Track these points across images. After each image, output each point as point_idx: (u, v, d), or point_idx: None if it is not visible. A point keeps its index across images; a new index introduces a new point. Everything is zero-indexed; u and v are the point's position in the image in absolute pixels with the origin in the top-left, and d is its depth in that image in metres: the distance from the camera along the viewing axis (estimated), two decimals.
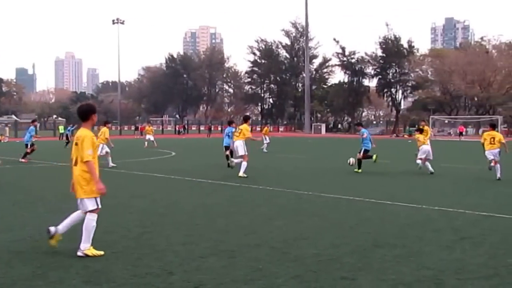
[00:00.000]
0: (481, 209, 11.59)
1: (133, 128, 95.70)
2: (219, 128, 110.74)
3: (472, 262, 7.20)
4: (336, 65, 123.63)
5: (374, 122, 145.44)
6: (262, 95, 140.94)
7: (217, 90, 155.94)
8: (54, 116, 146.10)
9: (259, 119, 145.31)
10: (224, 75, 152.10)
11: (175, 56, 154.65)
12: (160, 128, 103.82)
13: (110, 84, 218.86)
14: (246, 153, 19.17)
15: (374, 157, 21.28)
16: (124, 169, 21.37)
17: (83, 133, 7.50)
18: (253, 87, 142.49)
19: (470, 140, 69.09)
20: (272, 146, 37.47)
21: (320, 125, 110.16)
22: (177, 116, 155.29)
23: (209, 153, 34.31)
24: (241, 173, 18.61)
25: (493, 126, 20.33)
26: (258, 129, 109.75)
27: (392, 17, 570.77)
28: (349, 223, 10.00)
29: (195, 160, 27.41)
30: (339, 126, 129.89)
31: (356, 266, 6.98)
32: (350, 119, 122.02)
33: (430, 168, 20.86)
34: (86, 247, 7.42)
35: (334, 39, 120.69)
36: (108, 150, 22.83)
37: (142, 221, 9.96)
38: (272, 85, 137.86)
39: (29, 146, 26.65)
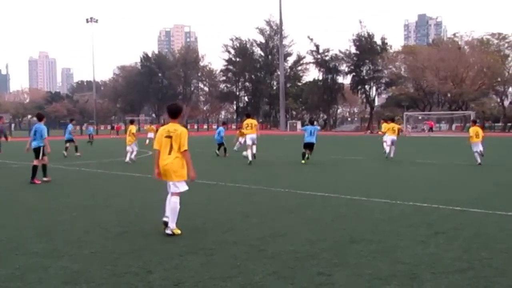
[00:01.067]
0: (454, 204, 11.74)
1: (109, 127, 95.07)
2: (195, 127, 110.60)
3: (446, 256, 7.31)
4: (310, 62, 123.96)
5: (349, 119, 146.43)
6: (237, 93, 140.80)
7: (192, 89, 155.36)
8: (29, 116, 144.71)
9: (235, 117, 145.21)
10: (199, 74, 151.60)
11: (150, 55, 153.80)
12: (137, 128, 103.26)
13: (85, 83, 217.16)
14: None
15: (304, 159, 23.87)
16: (101, 169, 21.27)
17: (179, 127, 8.90)
18: (228, 85, 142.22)
19: (443, 135, 69.75)
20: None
21: (295, 123, 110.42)
22: (153, 115, 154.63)
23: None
24: (245, 153, 24.15)
25: (475, 122, 25.45)
26: (234, 127, 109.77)
27: (365, 15, 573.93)
28: (325, 219, 10.07)
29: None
30: (315, 123, 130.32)
31: (332, 262, 7.05)
32: (325, 116, 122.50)
33: (392, 154, 26.38)
34: (173, 226, 8.67)
35: (308, 37, 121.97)
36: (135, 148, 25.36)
37: (120, 221, 9.95)
38: (247, 83, 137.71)
39: (74, 141, 31.18)
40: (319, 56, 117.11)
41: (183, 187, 8.89)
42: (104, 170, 21.02)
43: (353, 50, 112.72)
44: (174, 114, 9.03)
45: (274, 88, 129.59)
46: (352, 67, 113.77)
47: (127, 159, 24.74)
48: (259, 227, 9.30)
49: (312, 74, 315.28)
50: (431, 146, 41.60)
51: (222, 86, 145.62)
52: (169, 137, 8.82)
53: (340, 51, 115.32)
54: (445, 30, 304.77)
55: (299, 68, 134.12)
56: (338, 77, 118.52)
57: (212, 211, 10.96)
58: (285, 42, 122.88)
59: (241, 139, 31.60)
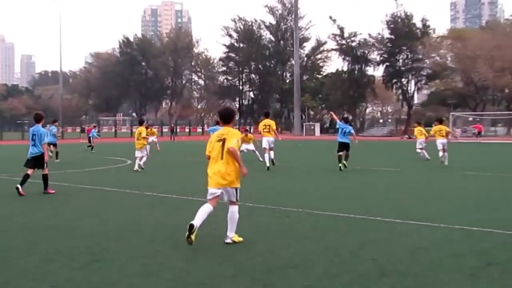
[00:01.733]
0: None
1: (78, 130, 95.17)
2: (187, 130, 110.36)
3: None
4: (332, 49, 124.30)
5: (381, 121, 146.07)
6: (241, 87, 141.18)
7: (184, 82, 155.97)
8: None
9: (237, 118, 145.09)
10: (193, 63, 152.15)
11: (131, 39, 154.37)
12: (113, 130, 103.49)
13: (50, 74, 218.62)
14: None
15: (341, 162, 26.22)
16: (67, 182, 21.25)
17: (231, 129, 10.32)
18: (229, 77, 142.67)
19: (498, 141, 69.39)
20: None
21: (313, 125, 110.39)
22: (134, 114, 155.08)
23: (174, 160, 34.23)
24: (267, 161, 26.46)
25: None
26: (237, 129, 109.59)
27: None
28: (349, 247, 10.02)
29: (156, 169, 27.32)
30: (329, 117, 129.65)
31: None
32: (351, 117, 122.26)
33: (445, 161, 28.73)
34: (233, 235, 10.21)
35: (330, 18, 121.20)
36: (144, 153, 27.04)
37: (89, 247, 9.91)
38: (253, 75, 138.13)
39: (54, 146, 33.25)
40: (343, 42, 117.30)
41: (238, 195, 10.28)
42: (70, 183, 21.00)
43: (386, 34, 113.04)
44: (227, 118, 10.42)
45: (287, 81, 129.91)
46: (385, 56, 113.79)
47: (136, 166, 26.30)
48: (264, 256, 9.25)
49: (335, 64, 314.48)
50: (483, 154, 41.52)
51: (221, 78, 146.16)
52: (222, 140, 10.12)
53: (370, 36, 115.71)
54: (501, 10, 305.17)
55: (319, 56, 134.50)
56: (367, 67, 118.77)
57: (205, 236, 10.90)
58: (301, 23, 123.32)
59: (245, 146, 31.43)
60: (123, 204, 15.57)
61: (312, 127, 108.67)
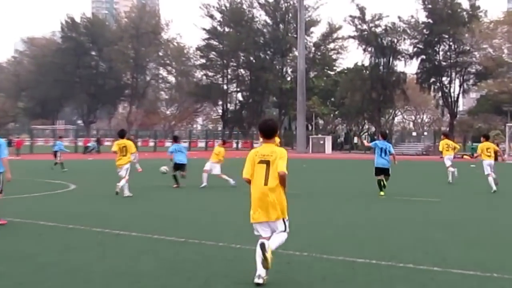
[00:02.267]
0: None
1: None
2: (151, 143, 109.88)
3: None
4: (350, 37, 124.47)
5: (414, 134, 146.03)
6: (225, 87, 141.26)
7: (148, 79, 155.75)
8: None
9: (220, 128, 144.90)
10: (161, 53, 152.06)
11: (77, 19, 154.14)
12: (51, 143, 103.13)
13: None
14: None
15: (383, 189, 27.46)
16: None
17: (276, 149, 11.15)
18: (210, 73, 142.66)
19: None
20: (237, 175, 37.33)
21: (322, 139, 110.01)
22: (80, 122, 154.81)
23: (134, 184, 34.11)
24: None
25: None
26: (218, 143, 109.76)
27: None
28: None
29: (109, 197, 27.23)
30: (356, 140, 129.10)
31: None
32: (373, 129, 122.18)
33: (493, 186, 29.06)
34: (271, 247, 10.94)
35: None
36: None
37: None
38: (242, 71, 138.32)
39: None
40: (365, 27, 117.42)
41: (286, 226, 11.24)
42: None
43: (422, 17, 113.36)
44: (269, 133, 11.21)
45: (288, 79, 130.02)
46: (421, 46, 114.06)
47: (125, 191, 27.18)
48: None
49: (353, 56, 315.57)
50: None
51: (199, 74, 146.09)
52: (265, 162, 10.92)
53: (400, 19, 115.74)
54: None
55: (331, 46, 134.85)
56: (396, 62, 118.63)
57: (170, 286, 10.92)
58: (307, 1, 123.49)
59: (213, 167, 31.76)
60: (64, 243, 15.54)
61: (322, 142, 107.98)
